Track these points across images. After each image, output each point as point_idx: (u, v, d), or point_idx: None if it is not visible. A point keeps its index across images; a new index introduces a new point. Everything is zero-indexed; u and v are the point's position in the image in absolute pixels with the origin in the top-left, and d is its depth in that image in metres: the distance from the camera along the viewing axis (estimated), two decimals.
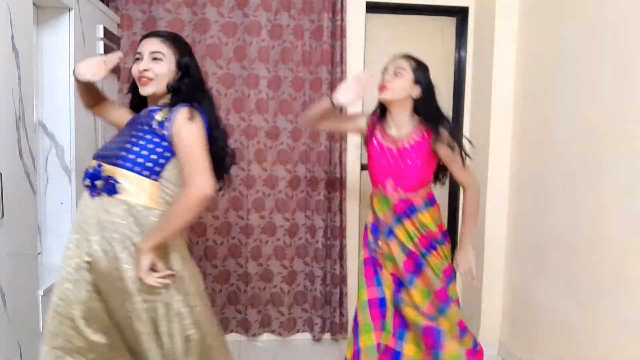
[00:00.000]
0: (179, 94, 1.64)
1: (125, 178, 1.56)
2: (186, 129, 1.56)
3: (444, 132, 2.07)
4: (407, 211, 2.11)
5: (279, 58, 3.01)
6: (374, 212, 2.22)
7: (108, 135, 2.74)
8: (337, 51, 2.99)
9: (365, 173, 3.29)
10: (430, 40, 3.31)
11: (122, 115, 1.83)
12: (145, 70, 1.61)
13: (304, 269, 3.14)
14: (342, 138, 3.04)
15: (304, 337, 3.21)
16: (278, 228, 3.10)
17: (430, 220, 2.13)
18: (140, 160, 1.58)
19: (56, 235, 2.23)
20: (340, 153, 3.05)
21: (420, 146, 2.09)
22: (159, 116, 1.60)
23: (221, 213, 3.03)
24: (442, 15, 3.29)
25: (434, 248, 2.13)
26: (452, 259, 2.21)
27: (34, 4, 1.94)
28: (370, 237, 2.22)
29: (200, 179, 1.54)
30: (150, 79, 1.62)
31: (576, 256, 2.34)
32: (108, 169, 1.58)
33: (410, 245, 2.10)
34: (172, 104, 1.62)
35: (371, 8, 3.15)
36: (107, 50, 2.61)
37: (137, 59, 1.64)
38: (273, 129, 3.04)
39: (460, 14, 3.25)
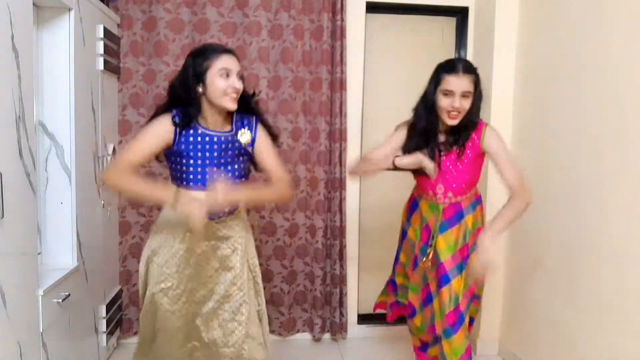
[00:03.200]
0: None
1: None
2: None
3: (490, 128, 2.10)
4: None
5: (279, 58, 3.01)
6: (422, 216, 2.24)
7: (108, 135, 2.74)
8: (337, 51, 2.99)
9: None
10: (430, 40, 3.31)
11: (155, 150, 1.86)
12: (237, 88, 1.78)
13: (304, 269, 3.14)
14: (342, 138, 3.04)
15: (304, 337, 3.21)
16: (278, 228, 3.10)
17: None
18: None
19: (56, 235, 2.23)
20: (340, 153, 3.05)
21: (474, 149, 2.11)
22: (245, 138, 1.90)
23: None
24: (442, 15, 3.29)
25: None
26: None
27: (34, 4, 1.94)
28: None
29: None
30: (235, 98, 1.80)
31: (576, 256, 2.34)
32: None
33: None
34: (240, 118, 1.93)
35: (371, 8, 3.15)
36: (107, 50, 2.62)
37: (226, 74, 1.77)
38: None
39: (460, 14, 3.25)
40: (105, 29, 2.55)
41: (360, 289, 3.28)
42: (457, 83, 1.97)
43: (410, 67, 3.29)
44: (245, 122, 1.91)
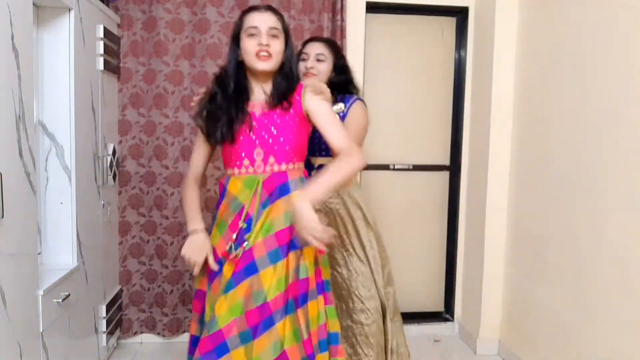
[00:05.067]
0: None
1: None
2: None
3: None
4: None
5: None
6: None
7: (108, 135, 2.74)
8: None
9: (366, 173, 3.30)
10: (430, 40, 3.31)
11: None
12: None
13: None
14: None
15: None
16: None
17: None
18: None
19: (56, 235, 2.23)
20: None
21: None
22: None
23: None
24: (442, 15, 3.29)
25: None
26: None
27: (34, 4, 1.94)
28: None
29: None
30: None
31: (576, 256, 2.34)
32: None
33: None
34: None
35: (371, 8, 3.15)
36: (107, 50, 2.62)
37: (303, 59, 2.07)
38: None
39: (460, 14, 3.25)
40: (105, 29, 2.56)
41: None
42: (260, 18, 1.67)
43: (410, 67, 3.29)
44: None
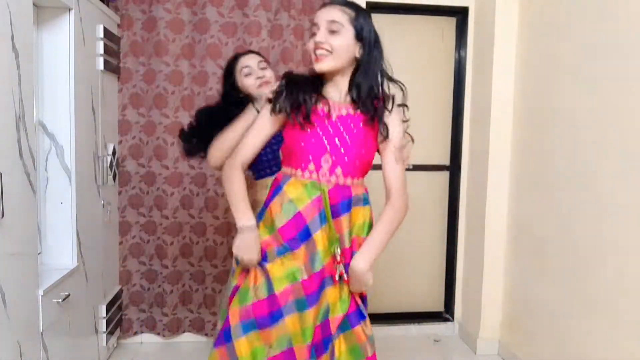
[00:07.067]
0: None
1: None
2: None
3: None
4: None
5: (279, 58, 3.01)
6: None
7: (108, 135, 2.74)
8: None
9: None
10: (430, 40, 3.31)
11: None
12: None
13: None
14: None
15: None
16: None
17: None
18: None
19: (56, 235, 2.23)
20: None
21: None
22: None
23: (221, 213, 3.03)
24: (442, 15, 3.29)
25: None
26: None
27: (34, 4, 1.94)
28: None
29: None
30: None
31: (576, 256, 2.34)
32: None
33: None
34: None
35: (371, 8, 3.14)
36: (107, 50, 2.62)
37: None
38: None
39: (460, 14, 3.25)
40: (105, 29, 2.56)
41: None
42: (321, 14, 1.54)
43: (410, 67, 3.29)
44: None
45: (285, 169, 1.63)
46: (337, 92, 1.60)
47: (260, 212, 1.67)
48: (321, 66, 1.53)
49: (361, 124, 1.58)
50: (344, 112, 1.58)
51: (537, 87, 2.71)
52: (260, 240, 1.60)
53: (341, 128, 1.57)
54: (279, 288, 1.52)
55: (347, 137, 1.56)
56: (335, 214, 1.56)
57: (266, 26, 2.98)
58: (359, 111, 1.58)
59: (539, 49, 2.70)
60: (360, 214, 1.61)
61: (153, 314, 3.07)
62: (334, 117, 1.57)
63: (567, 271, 2.40)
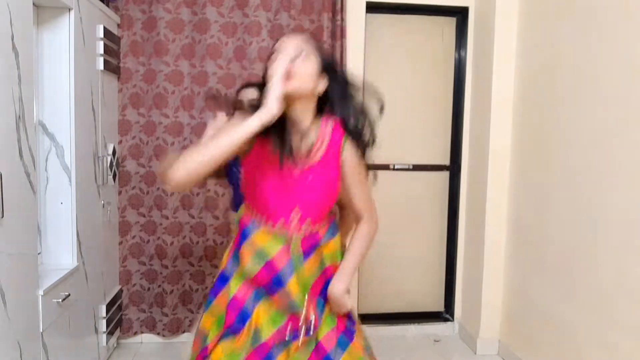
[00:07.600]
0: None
1: None
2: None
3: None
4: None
5: None
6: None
7: (108, 135, 2.74)
8: (337, 51, 2.99)
9: None
10: (430, 40, 3.31)
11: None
12: None
13: None
14: None
15: None
16: None
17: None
18: None
19: (56, 235, 2.23)
20: None
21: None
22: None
23: (221, 213, 3.03)
24: (442, 15, 3.29)
25: None
26: None
27: (34, 4, 1.94)
28: None
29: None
30: None
31: (576, 256, 2.34)
32: None
33: None
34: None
35: (371, 8, 3.15)
36: (107, 50, 2.62)
37: None
38: None
39: (460, 14, 3.26)
40: (105, 29, 2.56)
41: (360, 289, 3.29)
42: (286, 42, 1.52)
43: (410, 67, 3.29)
44: None
45: (252, 211, 1.51)
46: (299, 134, 1.45)
47: (232, 255, 1.55)
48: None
49: (324, 168, 1.48)
50: (306, 155, 1.46)
51: (537, 87, 2.71)
52: (233, 292, 1.49)
53: (310, 175, 1.46)
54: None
55: (316, 187, 1.47)
56: (306, 256, 1.50)
57: (266, 26, 2.98)
58: (319, 155, 1.47)
59: (538, 49, 2.70)
60: (329, 246, 1.56)
61: (153, 314, 3.07)
62: (302, 167, 1.46)
63: (567, 271, 2.40)
